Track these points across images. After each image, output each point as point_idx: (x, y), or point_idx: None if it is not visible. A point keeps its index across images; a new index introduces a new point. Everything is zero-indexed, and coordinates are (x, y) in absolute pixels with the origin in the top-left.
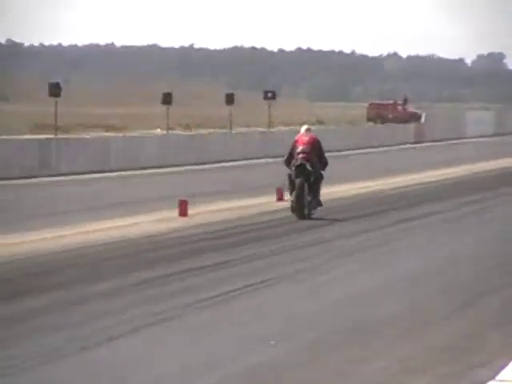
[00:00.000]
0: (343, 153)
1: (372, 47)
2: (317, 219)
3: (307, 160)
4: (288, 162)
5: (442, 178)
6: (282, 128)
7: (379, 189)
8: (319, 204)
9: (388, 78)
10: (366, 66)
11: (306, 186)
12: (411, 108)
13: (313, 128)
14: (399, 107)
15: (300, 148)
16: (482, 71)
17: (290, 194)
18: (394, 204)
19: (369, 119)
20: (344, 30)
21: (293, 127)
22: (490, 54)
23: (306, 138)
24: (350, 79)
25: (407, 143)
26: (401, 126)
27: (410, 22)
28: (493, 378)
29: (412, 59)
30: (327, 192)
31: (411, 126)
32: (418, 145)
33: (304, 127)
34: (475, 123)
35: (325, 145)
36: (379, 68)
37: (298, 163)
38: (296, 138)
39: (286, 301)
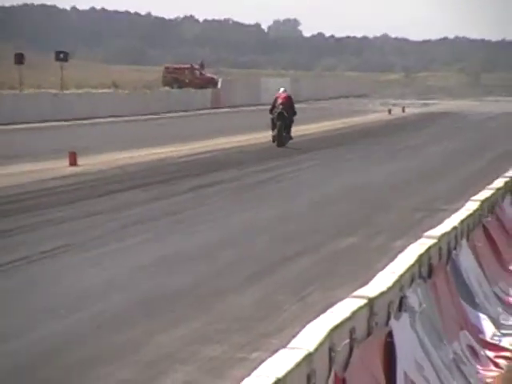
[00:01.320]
0: (138, 118)
1: (168, 9)
2: (113, 183)
3: (284, 110)
4: (271, 111)
5: (237, 144)
6: (76, 91)
7: (172, 155)
8: (291, 138)
9: (185, 42)
10: (163, 29)
11: (282, 126)
12: (208, 73)
13: (108, 91)
14: (196, 72)
15: (279, 101)
16: (278, 37)
17: (272, 130)
18: (188, 171)
19: (165, 83)
20: None
21: (87, 89)
22: (286, 21)
23: (283, 95)
24: (146, 42)
25: (204, 108)
26: (198, 90)
27: None
28: (285, 346)
29: (209, 23)
30: (115, 158)
31: (208, 91)
32: (215, 110)
33: (281, 89)
34: (271, 89)
35: (119, 110)
36: (176, 31)
37: (279, 111)
38: (276, 95)
39: (73, 272)
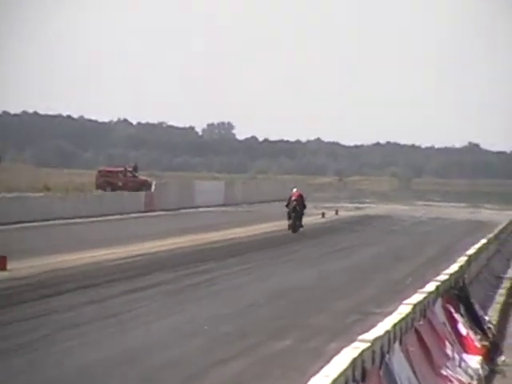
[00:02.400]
0: (70, 221)
1: (101, 113)
2: (44, 288)
3: (297, 205)
4: (287, 205)
5: (170, 247)
6: (7, 195)
7: (105, 258)
8: (301, 226)
9: (118, 145)
10: (96, 132)
11: (296, 217)
12: (142, 176)
13: (40, 195)
14: (129, 174)
15: (293, 198)
16: (212, 140)
17: (288, 220)
18: (121, 274)
19: (98, 186)
20: (71, 95)
21: (18, 193)
22: (220, 124)
23: (296, 193)
24: (79, 145)
25: (138, 212)
26: (131, 193)
27: (139, 89)
28: None
29: (142, 126)
30: (47, 262)
31: (142, 193)
32: (148, 213)
33: (295, 189)
34: (205, 192)
35: (51, 214)
36: (109, 134)
37: (293, 206)
38: (291, 194)
39: None
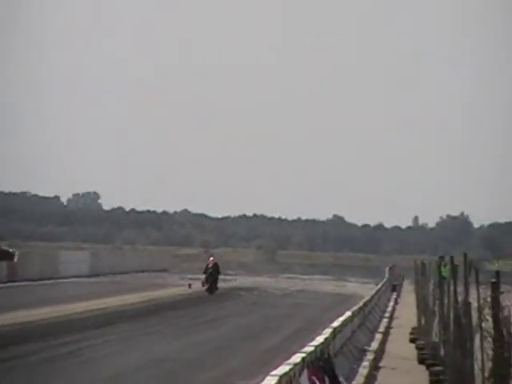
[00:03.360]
0: None
1: None
2: None
3: (213, 271)
4: (204, 272)
5: (31, 319)
6: None
7: None
8: (217, 288)
9: None
10: None
11: (212, 281)
12: (3, 245)
13: None
14: None
15: (210, 265)
16: (78, 210)
17: (206, 284)
18: None
19: None
20: None
21: None
22: (86, 193)
23: (212, 261)
24: None
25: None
26: None
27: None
28: None
29: (5, 195)
30: None
31: (3, 264)
32: (10, 284)
33: (211, 258)
34: (69, 263)
35: None
36: None
37: (210, 272)
38: (208, 261)
39: None
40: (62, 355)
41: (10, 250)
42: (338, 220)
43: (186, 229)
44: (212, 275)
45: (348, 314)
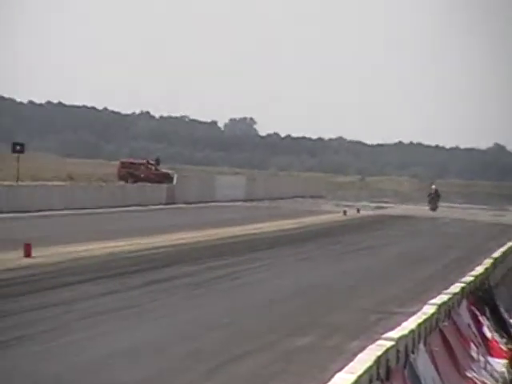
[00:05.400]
0: (93, 211)
1: (125, 105)
2: (67, 276)
3: (435, 196)
4: (428, 195)
5: (192, 240)
6: (31, 182)
7: (127, 249)
8: (437, 207)
9: (140, 138)
10: (119, 124)
11: (433, 203)
12: (163, 169)
13: (63, 183)
14: (151, 167)
15: (432, 192)
16: (234, 135)
17: (428, 204)
18: (142, 265)
19: (120, 178)
20: (96, 86)
21: (42, 182)
22: (242, 119)
23: (434, 189)
24: (102, 136)
25: (159, 204)
26: (153, 186)
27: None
28: None
29: (165, 119)
30: (70, 251)
31: (163, 186)
32: (169, 206)
33: (433, 186)
34: (226, 187)
35: (74, 203)
36: (132, 126)
37: (432, 196)
38: (430, 190)
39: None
40: (219, 277)
41: (170, 173)
42: (498, 149)
43: (341, 156)
44: (433, 199)
45: (510, 244)
